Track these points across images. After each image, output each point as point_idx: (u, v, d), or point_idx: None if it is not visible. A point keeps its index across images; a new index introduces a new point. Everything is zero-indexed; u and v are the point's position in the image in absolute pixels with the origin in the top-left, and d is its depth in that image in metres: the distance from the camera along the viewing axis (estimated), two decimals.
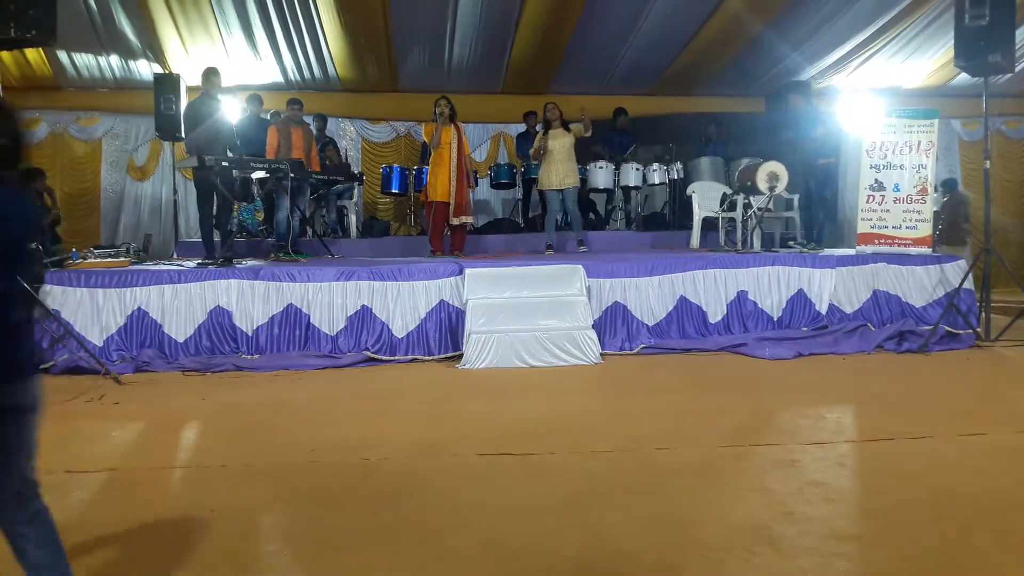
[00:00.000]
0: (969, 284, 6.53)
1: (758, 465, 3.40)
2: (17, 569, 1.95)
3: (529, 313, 5.95)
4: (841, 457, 3.50)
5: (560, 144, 7.95)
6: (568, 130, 7.96)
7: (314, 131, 9.75)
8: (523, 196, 10.27)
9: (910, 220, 6.91)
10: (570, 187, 8.06)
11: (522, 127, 10.51)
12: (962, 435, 3.80)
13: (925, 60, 10.05)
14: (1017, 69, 6.72)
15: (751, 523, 2.71)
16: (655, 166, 9.85)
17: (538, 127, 8.45)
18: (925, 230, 6.88)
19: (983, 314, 6.52)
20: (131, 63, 9.46)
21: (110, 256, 6.88)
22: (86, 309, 5.89)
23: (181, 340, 5.96)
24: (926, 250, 6.86)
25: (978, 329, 6.42)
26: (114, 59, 9.36)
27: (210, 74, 7.64)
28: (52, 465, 3.46)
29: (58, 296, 5.84)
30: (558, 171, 7.98)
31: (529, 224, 10.25)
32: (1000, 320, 6.54)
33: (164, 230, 10.15)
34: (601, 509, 2.88)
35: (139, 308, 5.95)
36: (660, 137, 10.76)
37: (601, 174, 9.55)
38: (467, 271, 6.17)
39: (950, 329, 6.35)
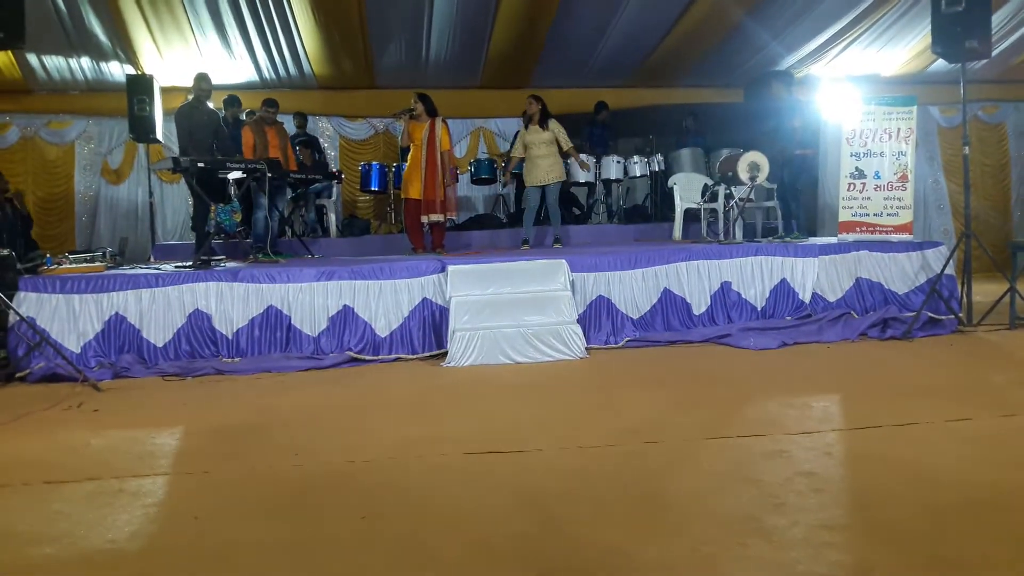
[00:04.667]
0: (951, 270, 6.57)
1: (747, 456, 3.38)
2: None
3: (513, 309, 5.91)
4: (829, 446, 3.48)
5: (537, 140, 7.94)
6: (545, 127, 7.94)
7: (294, 129, 9.71)
8: (516, 191, 10.28)
9: (891, 207, 6.94)
10: (551, 183, 8.05)
11: (504, 121, 10.51)
12: (948, 421, 3.80)
13: (902, 47, 10.10)
14: (993, 54, 6.75)
15: (742, 515, 2.69)
16: (636, 158, 9.85)
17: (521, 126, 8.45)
18: (906, 217, 6.91)
19: (965, 299, 6.56)
20: (103, 65, 9.33)
21: (86, 261, 6.76)
22: (62, 315, 5.78)
23: (160, 345, 5.87)
24: (907, 237, 6.89)
25: (960, 314, 6.45)
26: (85, 61, 9.22)
27: (200, 80, 7.58)
28: (30, 476, 3.39)
29: (33, 303, 5.73)
30: (538, 167, 7.98)
31: (512, 219, 10.22)
32: (981, 305, 6.58)
33: (140, 233, 10.02)
34: (591, 506, 2.85)
35: (116, 313, 5.85)
36: (640, 129, 10.77)
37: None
38: (450, 268, 6.12)
39: (933, 315, 6.38)
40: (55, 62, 9.19)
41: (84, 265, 6.58)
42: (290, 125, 9.88)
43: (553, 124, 7.99)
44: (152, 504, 3.05)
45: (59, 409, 4.70)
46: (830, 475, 3.12)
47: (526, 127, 8.11)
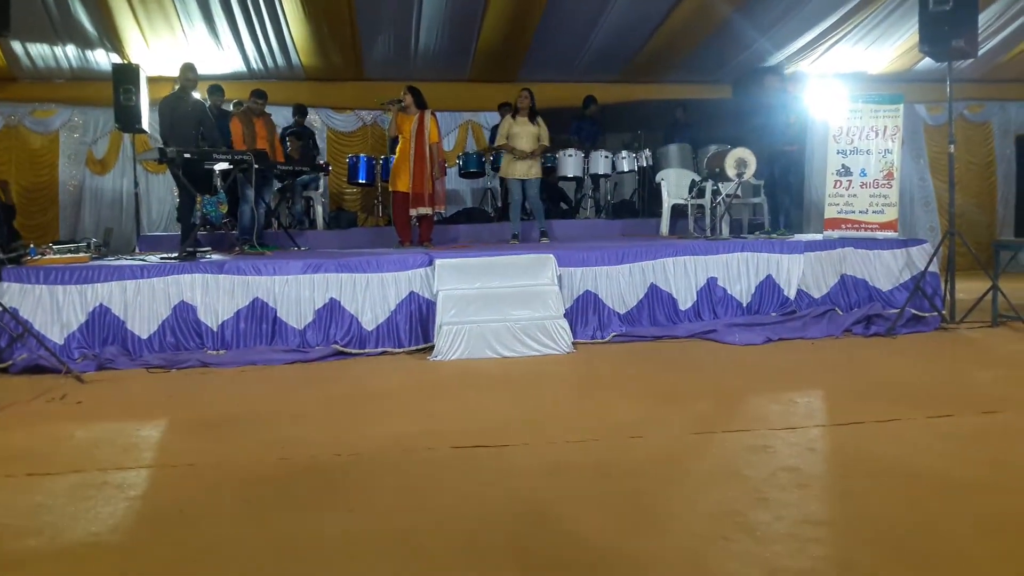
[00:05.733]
0: (934, 267, 6.62)
1: (731, 451, 3.40)
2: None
3: (500, 303, 5.91)
4: (812, 442, 3.51)
5: (524, 132, 7.89)
6: (534, 122, 7.90)
7: (292, 120, 9.69)
8: (501, 185, 10.27)
9: (876, 205, 6.99)
10: (532, 178, 8.03)
11: (493, 115, 10.49)
12: (930, 417, 3.84)
13: (889, 46, 10.15)
14: (980, 54, 6.79)
15: (726, 509, 2.70)
16: (624, 153, 9.86)
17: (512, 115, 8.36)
18: (891, 214, 6.96)
19: (948, 297, 6.61)
20: (88, 53, 9.24)
21: (70, 252, 6.71)
22: (46, 306, 5.73)
23: (145, 336, 5.83)
24: (892, 234, 6.94)
25: (943, 312, 6.50)
26: (70, 49, 9.12)
27: (186, 70, 7.50)
28: (13, 468, 3.37)
29: (16, 293, 5.68)
30: (520, 161, 7.92)
31: (500, 213, 10.22)
32: (964, 302, 6.64)
33: (125, 224, 9.94)
34: (578, 501, 2.86)
35: (101, 304, 5.81)
36: (628, 124, 10.79)
37: (570, 162, 9.54)
38: (437, 262, 6.12)
39: (916, 312, 6.43)
40: (40, 50, 9.09)
41: (68, 256, 6.52)
42: (288, 117, 9.88)
43: (540, 121, 7.97)
44: (136, 497, 3.04)
45: (42, 401, 4.66)
46: (814, 470, 3.14)
47: (513, 117, 8.04)
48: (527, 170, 7.96)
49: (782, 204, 7.96)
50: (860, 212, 7.03)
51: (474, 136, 11.25)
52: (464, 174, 10.22)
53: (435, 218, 8.03)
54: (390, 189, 7.78)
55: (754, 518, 2.62)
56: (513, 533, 2.57)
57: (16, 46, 8.92)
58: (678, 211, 9.00)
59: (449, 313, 5.81)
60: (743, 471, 3.11)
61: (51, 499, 2.99)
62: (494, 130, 10.31)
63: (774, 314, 6.56)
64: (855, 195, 7.04)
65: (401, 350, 5.97)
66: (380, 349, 5.96)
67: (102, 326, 5.81)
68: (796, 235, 7.65)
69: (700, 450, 3.45)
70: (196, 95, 7.93)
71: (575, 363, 5.52)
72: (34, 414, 4.39)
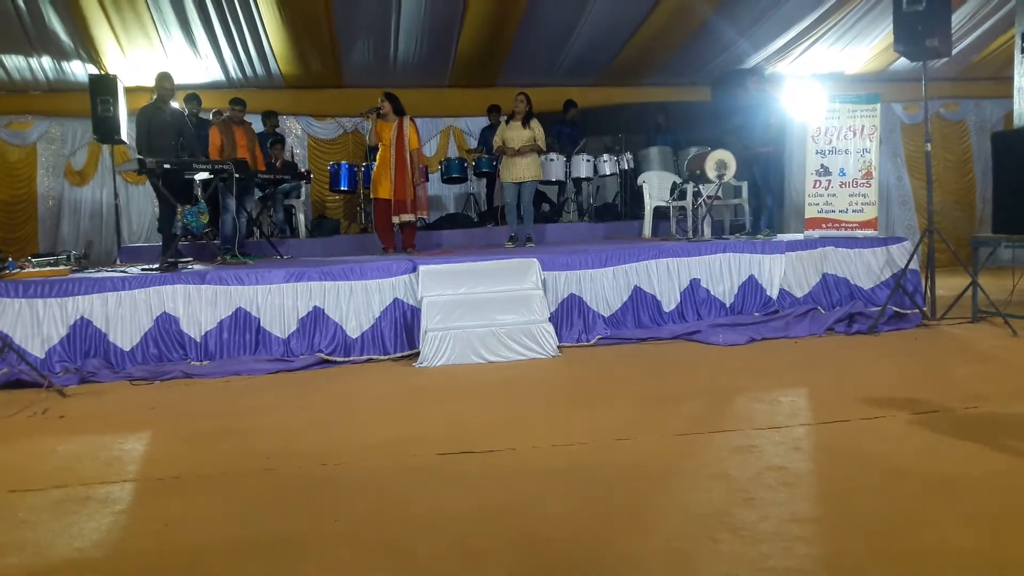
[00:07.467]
0: (915, 265, 6.68)
1: (717, 451, 3.41)
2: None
3: (485, 308, 5.91)
4: (797, 440, 3.53)
5: (517, 137, 7.91)
6: (526, 125, 7.92)
7: (264, 128, 9.64)
8: (488, 189, 10.30)
9: (856, 204, 7.05)
10: (527, 180, 8.04)
11: (474, 120, 10.51)
12: (914, 414, 3.87)
13: (865, 46, 10.24)
14: (954, 53, 6.86)
15: (713, 510, 2.72)
16: (605, 157, 9.88)
17: (502, 118, 8.39)
18: (871, 213, 7.02)
19: (928, 294, 6.67)
20: (64, 64, 9.15)
21: (50, 265, 6.65)
22: (25, 320, 5.67)
23: (127, 349, 5.78)
24: (872, 233, 7.00)
25: (924, 308, 6.56)
26: (46, 60, 9.03)
27: (162, 80, 7.43)
28: None
29: None
30: (515, 164, 7.96)
31: (483, 218, 10.22)
32: (945, 299, 6.70)
33: (106, 236, 9.85)
34: (565, 504, 2.86)
35: (82, 317, 5.76)
36: (609, 128, 10.81)
37: (552, 166, 9.54)
38: (421, 268, 6.11)
39: (898, 309, 6.48)
40: (15, 62, 9.00)
41: (48, 269, 6.46)
42: (258, 124, 9.81)
43: (534, 123, 7.99)
44: (120, 511, 3.01)
45: (23, 416, 4.61)
46: (799, 469, 3.16)
47: (507, 123, 8.08)
48: (521, 173, 7.98)
49: (764, 204, 8.00)
50: (840, 211, 7.09)
51: (455, 141, 11.24)
52: (446, 180, 10.20)
53: (418, 224, 8.01)
54: (372, 196, 7.76)
55: (741, 518, 2.63)
56: (499, 537, 2.57)
57: None
58: (660, 213, 9.04)
59: (434, 319, 5.80)
60: (730, 471, 3.12)
61: (34, 515, 2.96)
62: (481, 135, 10.35)
63: (757, 314, 6.60)
64: (835, 195, 7.10)
65: (386, 357, 5.96)
66: (365, 356, 5.94)
67: (84, 339, 5.76)
68: (778, 235, 7.70)
69: (687, 451, 3.46)
70: (175, 104, 7.89)
71: (561, 366, 5.52)
72: (15, 429, 4.34)
